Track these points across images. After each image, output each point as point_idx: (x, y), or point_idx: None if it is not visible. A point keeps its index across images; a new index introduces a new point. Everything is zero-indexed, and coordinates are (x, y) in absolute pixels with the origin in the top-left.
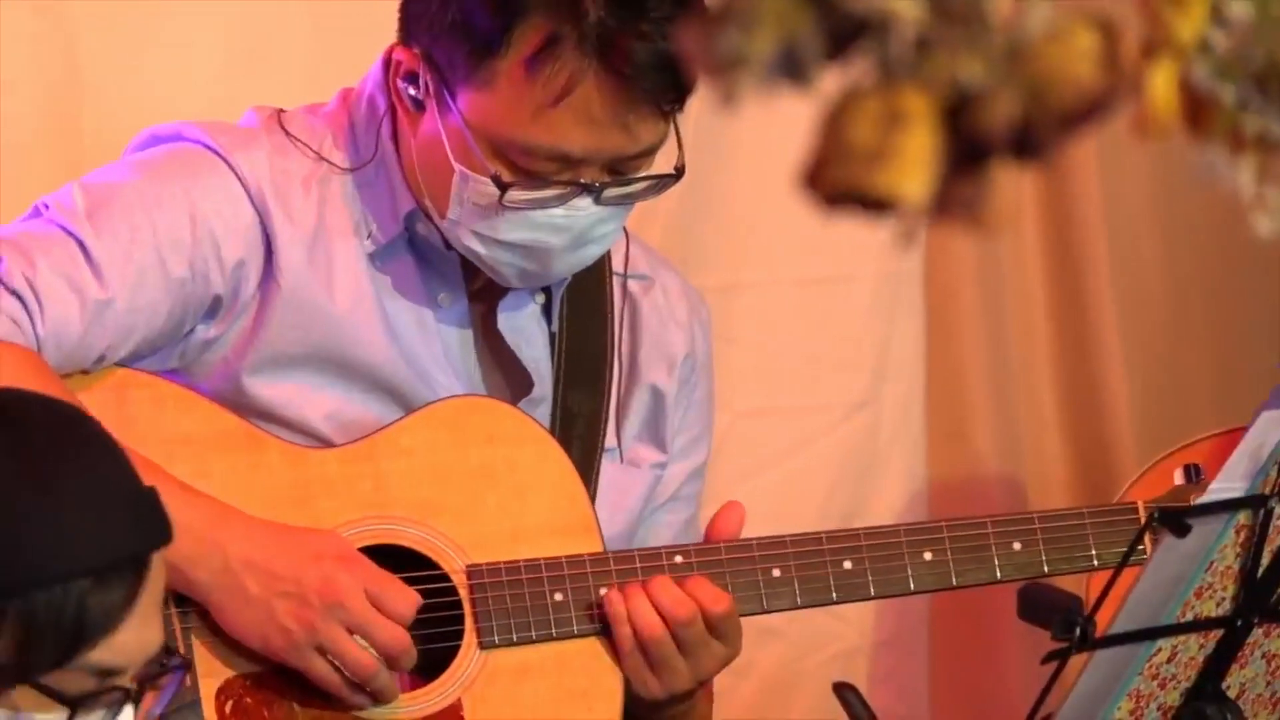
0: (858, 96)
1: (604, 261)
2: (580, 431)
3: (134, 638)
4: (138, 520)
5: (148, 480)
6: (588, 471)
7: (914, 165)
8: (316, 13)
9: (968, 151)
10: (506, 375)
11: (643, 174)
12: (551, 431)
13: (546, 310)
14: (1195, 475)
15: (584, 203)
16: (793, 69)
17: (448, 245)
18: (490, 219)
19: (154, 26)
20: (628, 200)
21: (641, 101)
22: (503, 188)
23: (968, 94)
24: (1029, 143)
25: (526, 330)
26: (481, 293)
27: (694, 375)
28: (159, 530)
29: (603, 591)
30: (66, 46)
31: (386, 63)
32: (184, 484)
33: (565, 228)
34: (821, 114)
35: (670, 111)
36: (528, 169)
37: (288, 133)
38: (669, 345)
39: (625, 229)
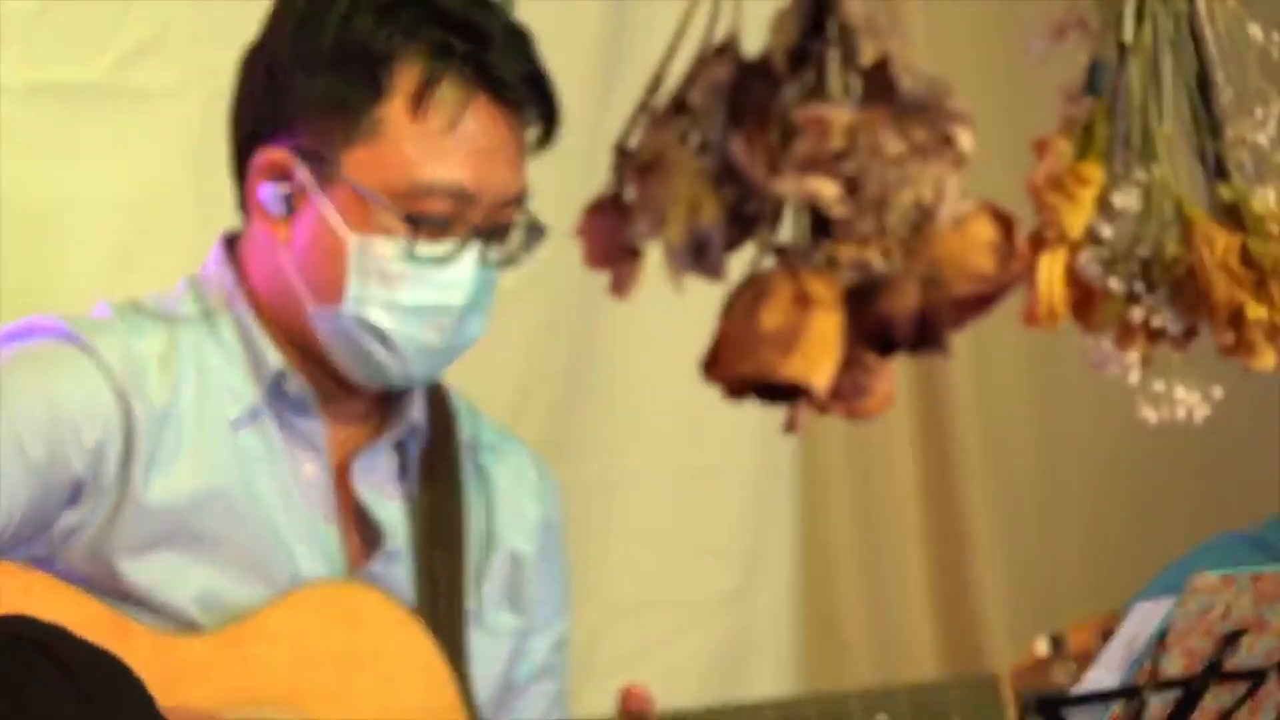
0: (763, 283)
1: (453, 432)
2: (445, 590)
3: None
4: None
5: None
6: (456, 632)
7: (821, 352)
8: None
9: (872, 340)
10: (363, 533)
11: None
12: (417, 592)
13: (403, 470)
14: (1058, 647)
15: (473, 258)
16: (702, 255)
17: (317, 401)
18: (392, 285)
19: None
20: (508, 262)
21: (523, 116)
22: (415, 226)
23: (875, 282)
24: (930, 330)
25: (382, 486)
26: (338, 450)
27: (551, 543)
28: None
29: None
30: None
31: (227, 244)
32: None
33: (461, 284)
34: (726, 301)
35: (544, 141)
36: (425, 212)
37: (139, 312)
38: (524, 510)
39: (470, 405)
